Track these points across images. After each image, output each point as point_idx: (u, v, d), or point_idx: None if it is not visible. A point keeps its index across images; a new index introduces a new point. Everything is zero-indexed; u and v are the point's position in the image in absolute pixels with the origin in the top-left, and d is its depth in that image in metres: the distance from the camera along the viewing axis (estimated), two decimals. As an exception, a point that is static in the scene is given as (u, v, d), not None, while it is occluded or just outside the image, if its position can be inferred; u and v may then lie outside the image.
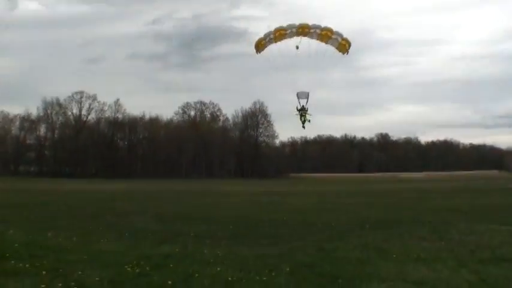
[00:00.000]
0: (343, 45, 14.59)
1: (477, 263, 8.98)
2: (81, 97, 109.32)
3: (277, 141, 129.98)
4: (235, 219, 17.26)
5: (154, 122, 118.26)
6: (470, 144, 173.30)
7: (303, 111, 16.38)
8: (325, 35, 14.34)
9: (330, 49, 14.63)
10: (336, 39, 14.34)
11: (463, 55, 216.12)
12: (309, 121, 16.02)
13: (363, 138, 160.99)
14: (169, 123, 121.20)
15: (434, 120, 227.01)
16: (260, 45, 14.73)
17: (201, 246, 10.82)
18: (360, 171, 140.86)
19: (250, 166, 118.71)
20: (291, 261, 9.17)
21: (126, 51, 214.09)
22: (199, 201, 27.36)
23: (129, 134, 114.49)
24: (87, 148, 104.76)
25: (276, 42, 14.53)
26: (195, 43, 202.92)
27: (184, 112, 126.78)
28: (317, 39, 14.54)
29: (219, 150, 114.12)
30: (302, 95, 18.09)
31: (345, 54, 14.91)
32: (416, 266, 8.76)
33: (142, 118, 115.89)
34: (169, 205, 24.41)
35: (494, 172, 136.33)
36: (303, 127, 16.14)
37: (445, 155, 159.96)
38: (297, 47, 14.33)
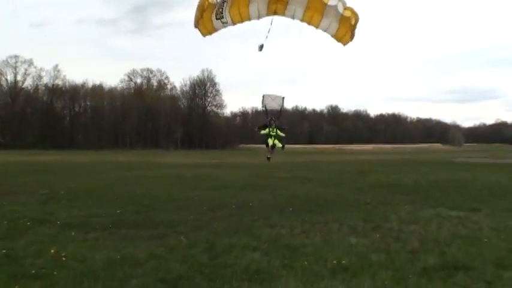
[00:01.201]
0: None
1: (419, 275, 6.14)
2: (16, 62, 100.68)
3: (228, 112, 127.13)
4: (137, 198, 14.13)
5: (98, 89, 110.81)
6: (418, 118, 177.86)
7: (271, 128, 13.26)
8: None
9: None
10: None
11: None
12: (282, 148, 12.89)
13: (313, 110, 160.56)
14: (112, 91, 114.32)
15: (383, 94, 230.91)
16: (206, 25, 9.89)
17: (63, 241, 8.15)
18: (310, 142, 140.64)
19: (198, 136, 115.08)
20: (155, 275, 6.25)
21: (73, 15, 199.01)
22: (119, 175, 23.69)
23: (71, 102, 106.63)
24: (24, 116, 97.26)
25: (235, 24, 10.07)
26: (147, 8, 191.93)
27: (130, 80, 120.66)
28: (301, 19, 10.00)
29: (165, 119, 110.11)
30: (271, 102, 14.09)
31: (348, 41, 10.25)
32: (332, 284, 5.80)
33: (84, 85, 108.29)
34: (80, 180, 20.65)
35: (438, 145, 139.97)
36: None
37: (393, 128, 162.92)
38: (261, 48, 10.51)
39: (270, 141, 13.34)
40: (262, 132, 13.64)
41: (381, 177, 22.26)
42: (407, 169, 29.12)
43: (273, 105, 14.59)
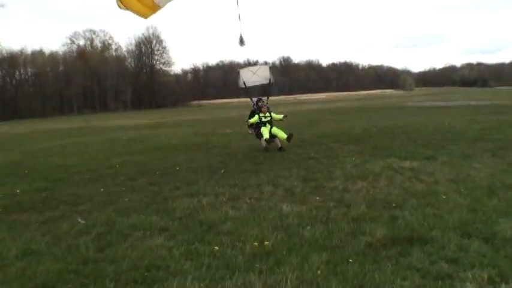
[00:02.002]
0: None
1: (363, 255, 4.62)
2: None
3: (178, 69, 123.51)
4: (51, 171, 12.24)
5: (38, 55, 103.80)
6: (369, 65, 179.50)
7: (263, 114, 12.74)
8: None
9: None
10: None
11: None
12: (280, 149, 12.22)
13: (265, 62, 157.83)
14: (54, 55, 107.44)
15: (334, 43, 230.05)
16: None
17: None
18: (262, 94, 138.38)
19: (148, 96, 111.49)
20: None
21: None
22: (48, 145, 21.26)
23: (11, 70, 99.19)
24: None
25: None
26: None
27: (72, 42, 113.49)
28: None
29: (112, 81, 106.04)
30: (251, 76, 13.19)
31: None
32: (245, 281, 4.16)
33: (23, 52, 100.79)
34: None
35: (390, 91, 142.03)
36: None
37: (345, 76, 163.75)
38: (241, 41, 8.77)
39: (266, 133, 12.04)
40: (251, 121, 12.23)
41: (329, 127, 20.89)
42: (358, 116, 27.94)
43: (257, 80, 12.61)
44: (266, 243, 5.08)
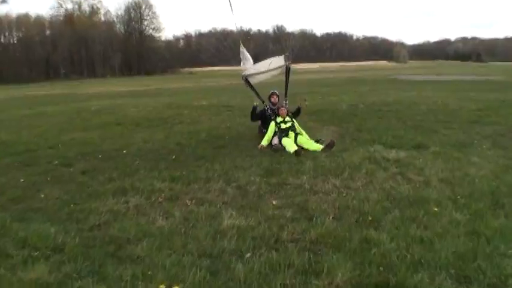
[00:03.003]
0: None
1: None
2: None
3: (170, 36, 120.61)
4: None
5: (24, 19, 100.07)
6: (363, 36, 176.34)
7: (281, 119, 9.48)
8: None
9: None
10: None
11: None
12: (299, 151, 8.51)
13: (259, 31, 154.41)
14: (40, 19, 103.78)
15: (329, 11, 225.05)
16: None
17: None
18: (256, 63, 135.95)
19: (137, 62, 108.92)
20: None
21: None
22: (12, 115, 19.62)
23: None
24: None
25: None
26: None
27: (60, 6, 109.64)
28: None
29: (100, 46, 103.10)
30: (262, 76, 10.52)
31: None
32: None
33: (7, 15, 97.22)
34: None
35: (384, 62, 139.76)
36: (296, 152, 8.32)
37: (339, 46, 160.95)
38: None
39: (291, 146, 8.61)
40: (264, 141, 9.04)
41: (314, 101, 19.13)
42: (346, 90, 26.19)
43: (270, 76, 10.41)
44: None
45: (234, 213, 5.26)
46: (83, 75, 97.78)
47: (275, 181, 6.54)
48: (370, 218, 4.96)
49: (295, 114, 9.94)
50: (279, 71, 10.34)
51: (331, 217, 5.07)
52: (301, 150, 8.14)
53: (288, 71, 10.18)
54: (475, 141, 9.29)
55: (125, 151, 9.32)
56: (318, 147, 8.45)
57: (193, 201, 5.86)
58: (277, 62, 10.16)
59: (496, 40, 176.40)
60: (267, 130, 9.34)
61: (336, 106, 16.59)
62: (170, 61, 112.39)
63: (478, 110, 14.45)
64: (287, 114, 9.61)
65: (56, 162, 8.64)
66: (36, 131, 13.17)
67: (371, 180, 6.45)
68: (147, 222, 5.18)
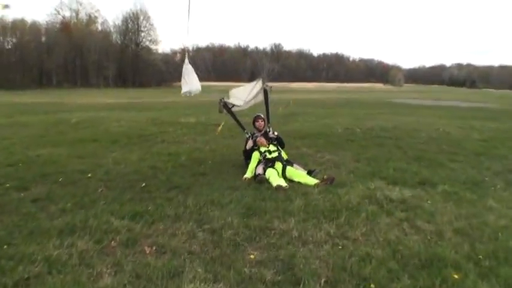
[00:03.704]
0: None
1: None
2: None
3: (167, 49, 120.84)
4: None
5: (19, 24, 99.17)
6: (360, 58, 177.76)
7: (265, 148, 8.23)
8: None
9: None
10: None
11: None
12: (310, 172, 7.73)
13: (256, 48, 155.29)
14: (36, 25, 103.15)
15: (327, 32, 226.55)
16: None
17: None
18: (251, 80, 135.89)
19: (132, 74, 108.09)
20: None
21: None
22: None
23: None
24: None
25: None
26: None
27: (58, 13, 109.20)
28: None
29: (96, 56, 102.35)
30: (243, 102, 9.22)
31: None
32: None
33: (2, 20, 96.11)
34: None
35: (379, 85, 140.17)
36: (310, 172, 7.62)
37: (335, 67, 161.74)
38: None
39: (274, 177, 7.35)
40: (248, 173, 7.80)
41: (308, 123, 18.17)
42: (342, 112, 25.23)
43: (250, 103, 9.21)
44: None
45: (200, 270, 4.13)
46: (76, 84, 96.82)
47: (257, 224, 5.40)
48: (372, 287, 3.83)
49: (279, 141, 8.82)
50: (259, 97, 9.28)
51: (322, 281, 3.95)
52: (282, 188, 6.90)
53: (266, 94, 9.11)
54: (486, 179, 8.25)
55: (90, 174, 8.14)
56: (312, 181, 7.31)
57: (154, 248, 4.72)
58: (256, 88, 9.13)
59: (491, 68, 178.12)
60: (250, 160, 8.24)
61: (331, 129, 15.55)
62: (166, 74, 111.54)
63: (483, 141, 13.48)
64: (270, 143, 8.51)
65: (8, 184, 7.47)
66: (1, 144, 11.99)
67: (372, 228, 5.33)
68: (89, 278, 4.04)
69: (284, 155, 8.54)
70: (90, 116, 21.58)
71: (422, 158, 10.19)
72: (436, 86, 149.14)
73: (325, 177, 7.52)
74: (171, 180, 7.62)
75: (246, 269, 4.18)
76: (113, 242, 4.87)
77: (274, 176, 7.35)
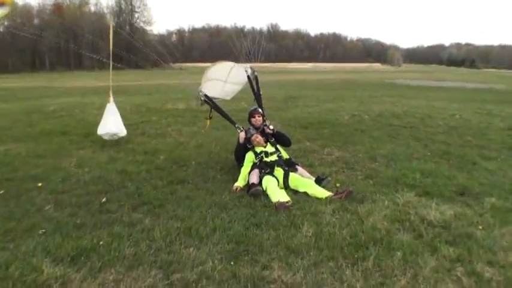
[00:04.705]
0: None
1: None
2: None
3: (163, 30, 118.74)
4: None
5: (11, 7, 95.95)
6: (357, 37, 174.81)
7: (263, 161, 6.14)
8: None
9: None
10: None
11: None
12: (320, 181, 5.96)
13: (253, 28, 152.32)
14: (27, 7, 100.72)
15: (323, 12, 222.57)
16: None
17: None
18: (248, 60, 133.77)
19: (126, 56, 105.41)
20: None
21: None
22: None
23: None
24: None
25: None
26: None
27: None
28: None
29: (89, 38, 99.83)
30: (220, 90, 7.58)
31: None
32: None
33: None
34: None
35: (378, 65, 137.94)
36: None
37: (332, 47, 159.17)
38: None
39: (274, 190, 5.61)
40: (240, 181, 6.09)
41: (310, 108, 16.43)
42: (345, 94, 23.43)
43: (234, 89, 7.28)
44: None
45: None
46: (69, 67, 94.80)
47: (248, 272, 3.75)
48: None
49: (279, 138, 7.07)
50: (241, 78, 7.54)
51: None
52: (285, 205, 5.22)
53: (252, 81, 7.38)
54: (536, 184, 6.58)
55: (41, 184, 6.43)
56: (322, 193, 5.63)
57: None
58: (238, 72, 7.37)
59: (491, 47, 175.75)
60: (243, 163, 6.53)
61: (335, 116, 13.84)
62: (161, 55, 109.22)
63: (510, 130, 11.80)
64: (267, 141, 6.81)
65: None
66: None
67: (415, 277, 3.69)
68: None
69: (284, 154, 6.84)
70: (72, 102, 19.77)
71: (449, 155, 8.52)
72: (435, 65, 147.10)
73: (338, 188, 5.84)
74: (141, 193, 5.93)
75: None
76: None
77: (273, 188, 5.67)
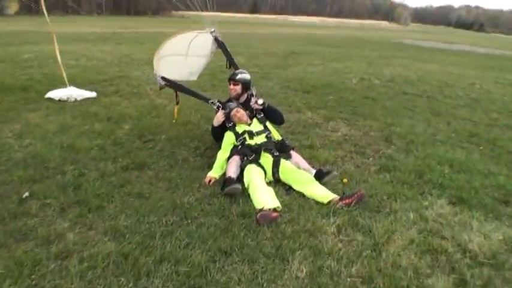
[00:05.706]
0: None
1: None
2: None
3: None
4: None
5: None
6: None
7: (246, 145, 4.47)
8: None
9: None
10: None
11: None
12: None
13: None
14: None
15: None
16: None
17: None
18: (253, 12, 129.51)
19: (126, 1, 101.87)
20: None
21: None
22: None
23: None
24: None
25: None
26: None
27: None
28: None
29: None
30: (182, 67, 5.89)
31: None
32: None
33: None
34: None
35: (385, 23, 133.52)
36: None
37: (340, 2, 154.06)
38: None
39: (258, 188, 4.05)
40: (221, 159, 4.72)
41: (312, 67, 14.69)
42: (352, 53, 21.51)
43: (197, 64, 5.36)
44: None
45: None
46: (67, 11, 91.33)
47: None
48: None
49: (270, 115, 5.44)
50: (205, 56, 5.90)
51: None
52: (270, 216, 3.71)
53: (219, 43, 5.72)
54: None
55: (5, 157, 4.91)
56: (323, 196, 4.12)
57: None
58: (201, 40, 5.72)
59: (501, 11, 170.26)
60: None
61: (342, 80, 12.17)
62: (163, 2, 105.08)
63: (542, 106, 10.21)
64: (254, 117, 5.23)
65: None
66: None
67: None
68: None
69: (275, 134, 5.26)
70: (51, 50, 17.81)
71: (478, 137, 7.01)
72: (443, 27, 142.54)
73: (344, 188, 4.34)
74: (79, 184, 4.41)
75: None
76: None
77: (257, 185, 4.15)
